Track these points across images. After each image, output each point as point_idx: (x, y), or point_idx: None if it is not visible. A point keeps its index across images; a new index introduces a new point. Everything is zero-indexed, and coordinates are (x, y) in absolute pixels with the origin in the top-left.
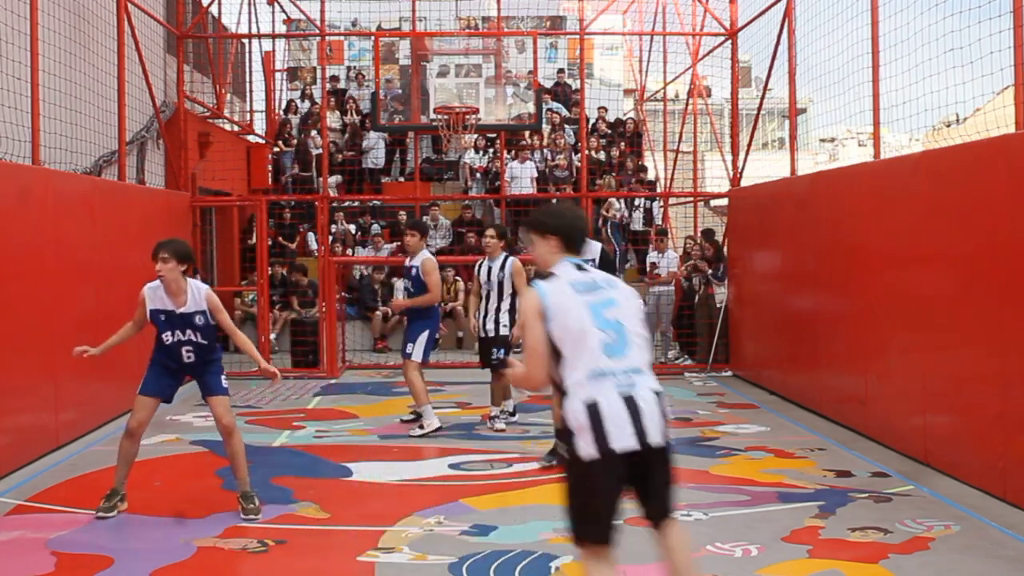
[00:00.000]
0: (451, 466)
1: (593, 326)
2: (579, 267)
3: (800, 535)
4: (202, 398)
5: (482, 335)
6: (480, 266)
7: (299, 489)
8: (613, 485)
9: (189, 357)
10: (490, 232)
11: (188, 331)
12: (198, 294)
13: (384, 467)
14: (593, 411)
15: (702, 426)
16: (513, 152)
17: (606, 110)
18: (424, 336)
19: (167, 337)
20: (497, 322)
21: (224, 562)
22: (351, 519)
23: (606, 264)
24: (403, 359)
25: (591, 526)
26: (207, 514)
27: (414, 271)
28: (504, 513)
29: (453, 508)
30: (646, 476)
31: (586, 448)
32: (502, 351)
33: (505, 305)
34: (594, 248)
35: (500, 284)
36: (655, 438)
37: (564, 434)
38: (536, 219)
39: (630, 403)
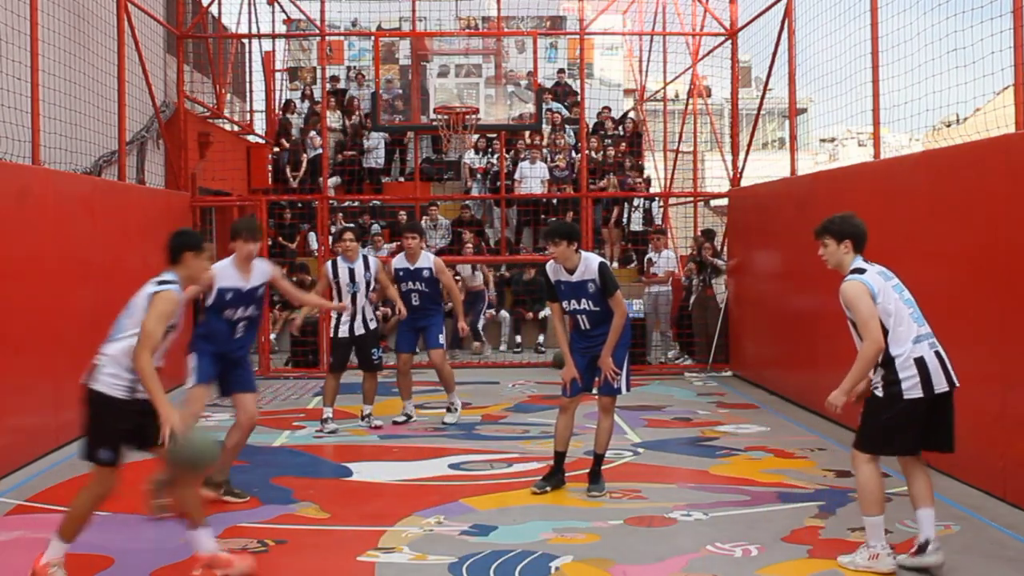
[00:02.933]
0: (451, 466)
1: (902, 303)
2: (865, 260)
3: (800, 535)
4: (229, 394)
5: (344, 335)
6: (335, 268)
7: (299, 489)
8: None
9: (239, 332)
10: (348, 236)
11: (251, 307)
12: (263, 268)
13: (384, 467)
14: (921, 364)
15: (702, 426)
16: (524, 152)
17: (610, 110)
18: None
19: (230, 314)
20: (366, 321)
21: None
22: (351, 519)
23: (605, 279)
24: (433, 349)
25: (899, 446)
26: (207, 514)
27: (426, 272)
28: (504, 513)
29: (453, 508)
30: (945, 412)
31: (913, 391)
32: (380, 350)
33: (369, 304)
34: (592, 266)
35: (367, 284)
36: (955, 382)
37: (889, 384)
38: (833, 227)
39: (939, 357)
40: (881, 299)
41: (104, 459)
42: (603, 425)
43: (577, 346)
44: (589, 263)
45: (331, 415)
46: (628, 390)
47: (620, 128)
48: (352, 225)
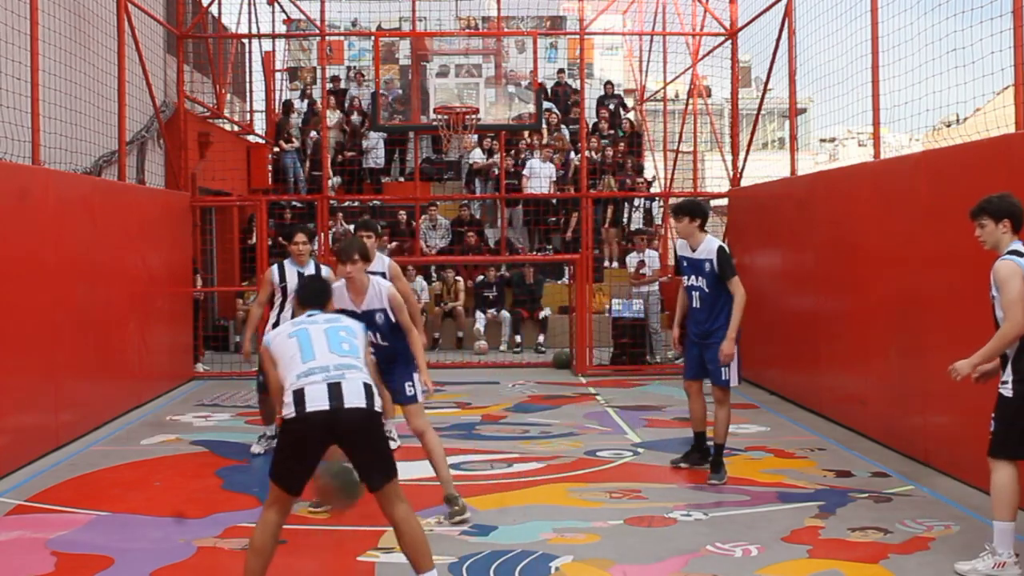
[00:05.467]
0: (451, 466)
1: None
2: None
3: (800, 535)
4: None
5: None
6: (282, 273)
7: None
8: None
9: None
10: (301, 237)
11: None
12: (380, 291)
13: None
14: None
15: None
16: (526, 151)
17: (608, 109)
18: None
19: None
20: None
21: (224, 562)
22: (351, 519)
23: (723, 262)
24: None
25: None
26: (207, 514)
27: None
28: (504, 513)
29: None
30: None
31: None
32: None
33: None
34: (711, 246)
35: None
36: None
37: (1018, 381)
38: (990, 207)
39: None
40: None
41: None
42: (719, 416)
43: (690, 331)
44: (710, 244)
45: (270, 432)
46: (738, 383)
47: (616, 114)
48: (310, 226)
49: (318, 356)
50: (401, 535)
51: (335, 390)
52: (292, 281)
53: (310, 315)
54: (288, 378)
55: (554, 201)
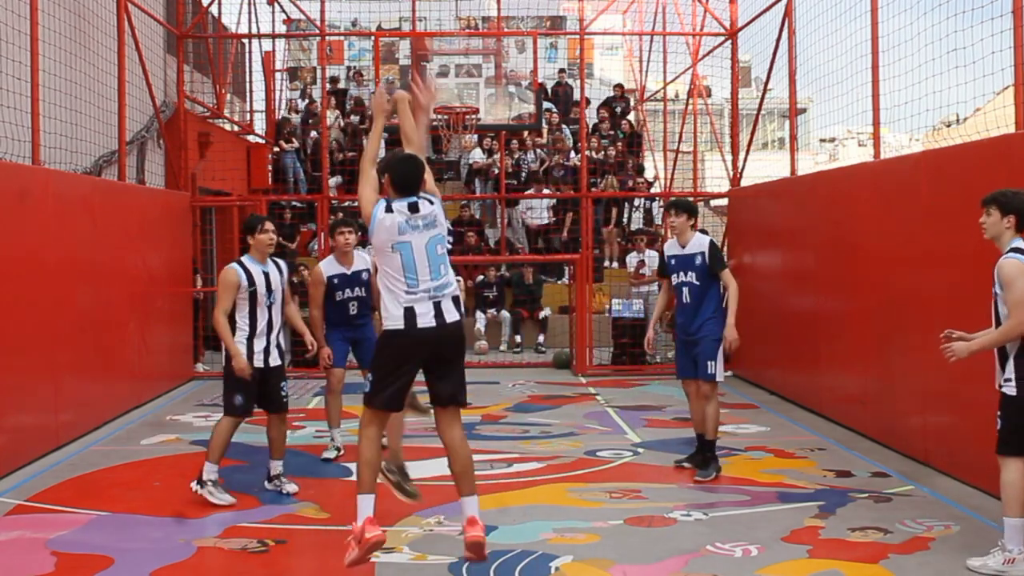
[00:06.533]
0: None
1: None
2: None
3: (800, 535)
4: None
5: (257, 365)
6: (249, 276)
7: (299, 489)
8: None
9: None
10: (270, 225)
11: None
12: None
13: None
14: None
15: None
16: (532, 187)
17: (610, 110)
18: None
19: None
20: (280, 348)
21: (224, 562)
22: (351, 519)
23: (713, 255)
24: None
25: None
26: (207, 514)
27: (366, 275)
28: (504, 513)
29: (453, 508)
30: None
31: None
32: (286, 384)
33: (283, 325)
34: (703, 241)
35: (282, 295)
36: None
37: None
38: (1002, 199)
39: None
40: None
41: None
42: (707, 411)
43: (679, 330)
44: (700, 238)
45: (215, 476)
46: (722, 378)
47: (618, 113)
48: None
49: (421, 280)
50: (456, 458)
51: (438, 308)
52: (260, 283)
53: (411, 206)
54: (395, 293)
55: (554, 202)
